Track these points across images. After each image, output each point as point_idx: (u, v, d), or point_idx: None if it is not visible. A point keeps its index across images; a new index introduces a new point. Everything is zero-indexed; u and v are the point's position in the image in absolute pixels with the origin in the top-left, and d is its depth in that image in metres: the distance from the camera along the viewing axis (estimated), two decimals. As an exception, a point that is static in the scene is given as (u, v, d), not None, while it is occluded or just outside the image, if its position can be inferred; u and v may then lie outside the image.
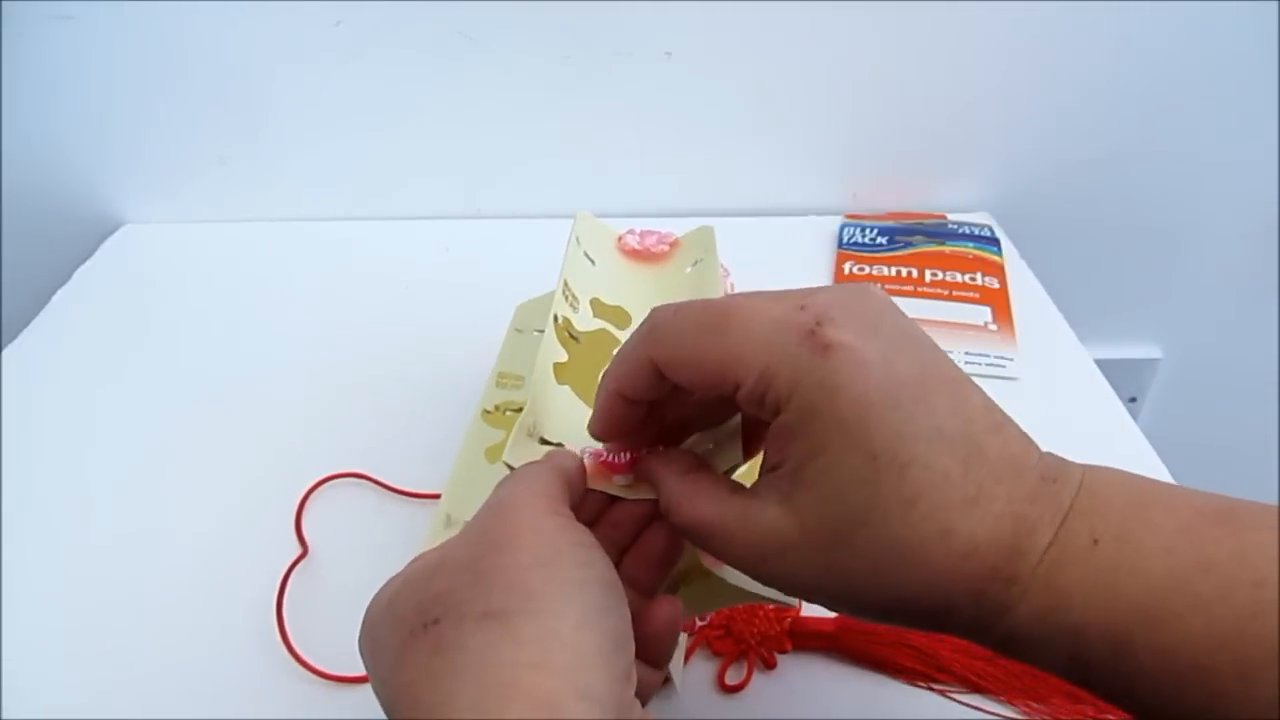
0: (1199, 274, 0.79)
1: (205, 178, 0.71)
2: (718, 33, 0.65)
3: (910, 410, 0.24)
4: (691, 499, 0.28)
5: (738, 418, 0.31)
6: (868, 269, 0.66)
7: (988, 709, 0.38)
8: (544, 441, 0.37)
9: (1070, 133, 0.71)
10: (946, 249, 0.67)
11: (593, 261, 0.45)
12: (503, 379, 0.48)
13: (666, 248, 0.47)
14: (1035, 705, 0.38)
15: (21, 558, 0.46)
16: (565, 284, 0.42)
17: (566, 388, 0.39)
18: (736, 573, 0.32)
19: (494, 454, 0.42)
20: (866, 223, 0.71)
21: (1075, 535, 0.24)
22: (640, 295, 0.44)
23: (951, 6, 0.64)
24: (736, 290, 0.46)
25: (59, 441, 0.53)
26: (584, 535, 0.27)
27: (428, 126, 0.69)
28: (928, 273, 0.65)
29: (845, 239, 0.69)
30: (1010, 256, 0.68)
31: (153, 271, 0.69)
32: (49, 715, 0.39)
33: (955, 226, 0.70)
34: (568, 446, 0.36)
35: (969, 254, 0.67)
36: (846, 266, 0.66)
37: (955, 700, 0.39)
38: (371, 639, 0.26)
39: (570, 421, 0.38)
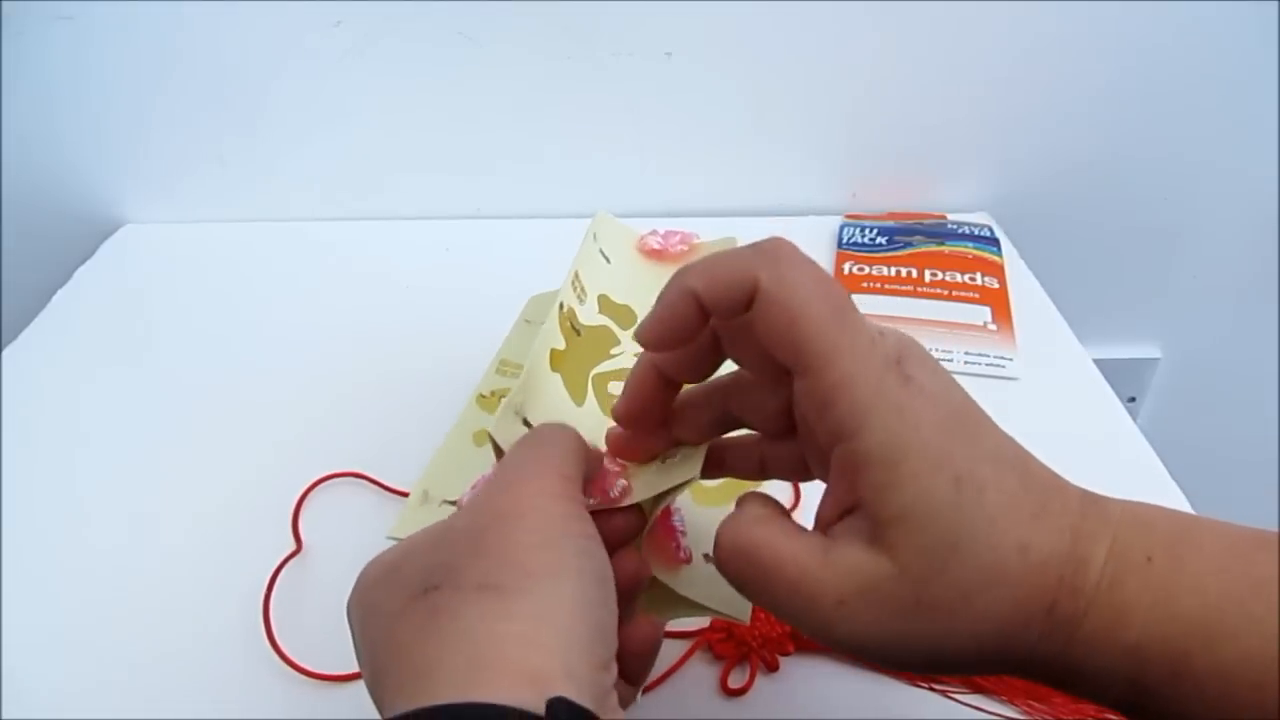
0: (1199, 274, 0.79)
1: (205, 178, 0.71)
2: (718, 33, 0.65)
3: (975, 434, 0.25)
4: (767, 528, 0.27)
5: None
6: (867, 269, 0.66)
7: (988, 709, 0.39)
8: (527, 424, 0.36)
9: (1070, 133, 0.71)
10: (946, 249, 0.67)
11: (608, 259, 0.45)
12: (504, 366, 0.47)
13: (686, 249, 0.46)
14: (1035, 705, 0.38)
15: (21, 557, 0.46)
16: (576, 275, 0.42)
17: (558, 377, 0.39)
18: (688, 582, 0.32)
19: (481, 438, 0.43)
20: (866, 223, 0.71)
21: (1130, 549, 0.24)
22: (649, 296, 0.44)
23: (951, 6, 0.64)
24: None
25: (59, 441, 0.53)
26: (587, 526, 0.27)
27: (428, 126, 0.69)
28: (927, 273, 0.65)
29: (845, 239, 0.69)
30: (1010, 256, 0.68)
31: (153, 271, 0.69)
32: (49, 715, 0.39)
33: (955, 226, 0.70)
34: None
35: (969, 254, 0.67)
36: (846, 266, 0.66)
37: (956, 700, 0.39)
38: (366, 602, 0.26)
39: (556, 412, 0.38)
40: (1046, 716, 0.38)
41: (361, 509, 0.48)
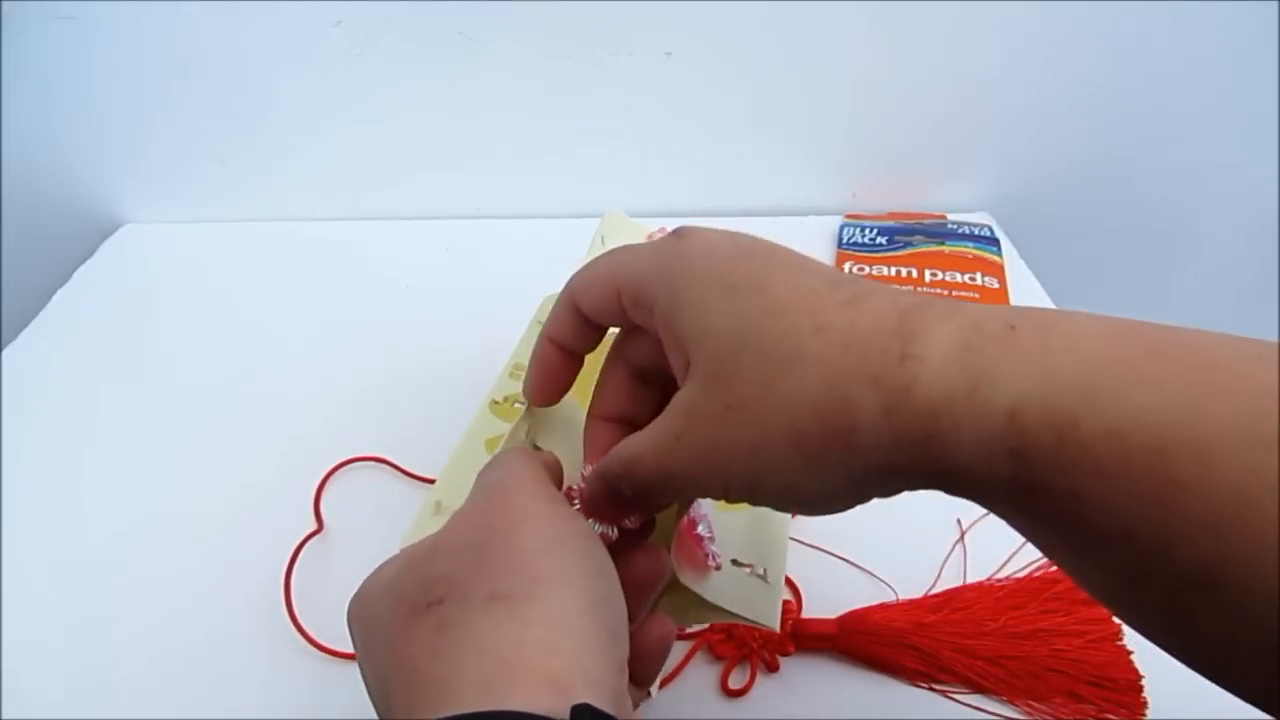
0: (1199, 274, 0.79)
1: (205, 178, 0.71)
2: (718, 33, 0.65)
3: (762, 257, 0.26)
4: (624, 443, 0.27)
5: None
6: (868, 269, 0.66)
7: (989, 709, 0.39)
8: (536, 449, 0.37)
9: (1070, 133, 0.71)
10: (946, 249, 0.67)
11: None
12: (517, 370, 0.46)
13: None
14: (1036, 705, 0.38)
15: (22, 557, 0.46)
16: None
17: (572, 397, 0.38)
18: (712, 588, 0.32)
19: (494, 445, 0.42)
20: (866, 223, 0.71)
21: (985, 322, 0.22)
22: None
23: (951, 7, 0.64)
24: None
25: (59, 441, 0.53)
26: (583, 524, 0.27)
27: (428, 126, 0.69)
28: (927, 273, 0.65)
29: (845, 239, 0.69)
30: (1010, 256, 0.68)
31: (153, 271, 0.69)
32: (51, 714, 0.39)
33: (955, 226, 0.70)
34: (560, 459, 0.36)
35: (969, 254, 0.67)
36: (846, 266, 0.66)
37: (957, 701, 0.39)
38: (366, 617, 0.26)
39: (573, 426, 0.37)
40: (1046, 716, 0.38)
41: (380, 494, 0.48)
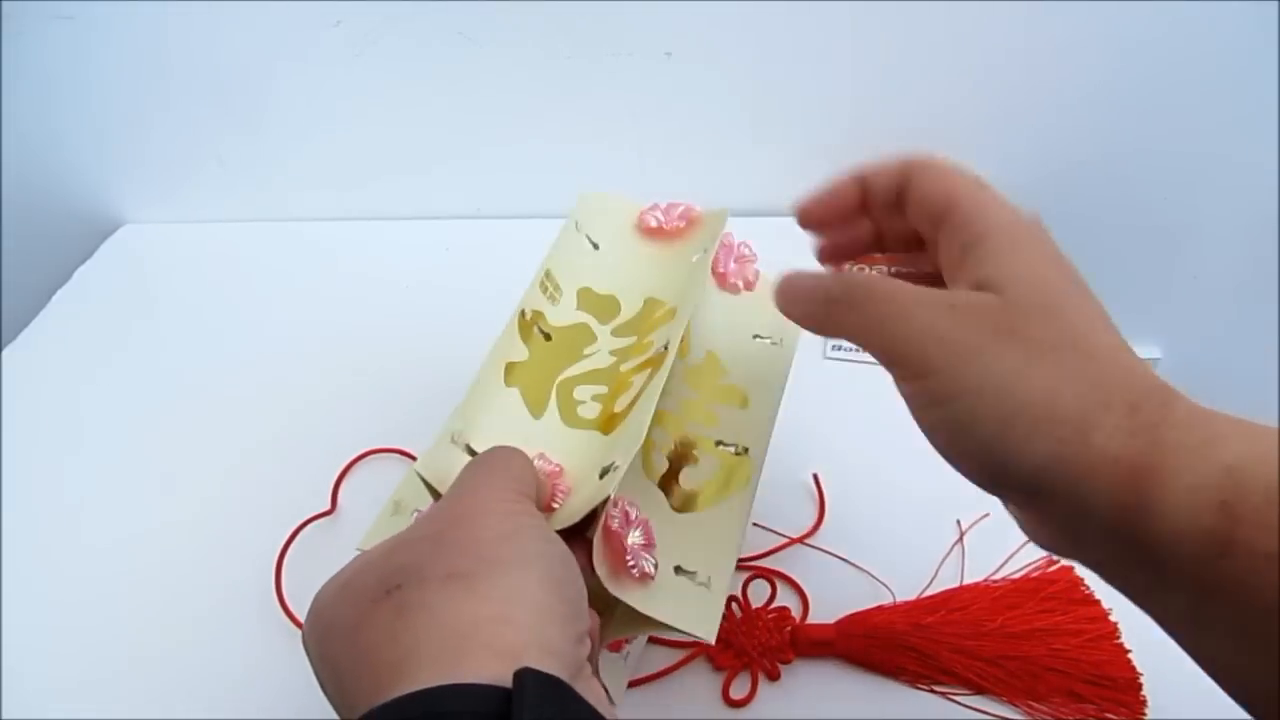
0: (1199, 274, 0.79)
1: (205, 178, 0.71)
2: (718, 33, 0.65)
3: (1084, 290, 0.29)
4: (882, 279, 0.30)
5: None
6: (867, 269, 0.65)
7: (990, 710, 0.39)
8: (470, 452, 0.36)
9: (1070, 133, 0.71)
10: (946, 249, 0.67)
11: (596, 245, 0.44)
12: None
13: (684, 225, 0.46)
14: (1035, 705, 0.38)
15: (22, 556, 0.46)
16: (547, 274, 0.41)
17: (515, 392, 0.38)
18: (649, 599, 0.32)
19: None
20: (866, 223, 0.71)
21: (1209, 420, 0.25)
22: (640, 280, 0.43)
23: (951, 6, 0.64)
24: (755, 276, 0.45)
25: (59, 441, 0.53)
26: (542, 520, 0.28)
27: (427, 126, 0.69)
28: (928, 273, 0.65)
29: (845, 239, 0.69)
30: (1010, 256, 0.68)
31: (153, 271, 0.69)
32: (50, 714, 0.39)
33: (955, 226, 0.70)
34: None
35: (969, 254, 0.66)
36: (846, 265, 0.66)
37: (957, 702, 0.39)
38: (322, 624, 0.26)
39: (506, 431, 0.37)
40: (1046, 716, 0.38)
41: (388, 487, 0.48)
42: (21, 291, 0.68)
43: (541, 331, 0.40)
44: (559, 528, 0.32)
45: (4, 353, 0.60)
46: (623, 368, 0.39)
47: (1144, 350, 0.82)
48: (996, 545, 0.44)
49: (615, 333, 0.41)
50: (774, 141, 0.71)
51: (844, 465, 0.49)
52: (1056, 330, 0.26)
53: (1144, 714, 0.38)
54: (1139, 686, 0.38)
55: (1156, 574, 0.24)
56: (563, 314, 0.41)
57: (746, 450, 0.40)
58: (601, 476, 0.34)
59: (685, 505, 0.38)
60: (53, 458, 0.52)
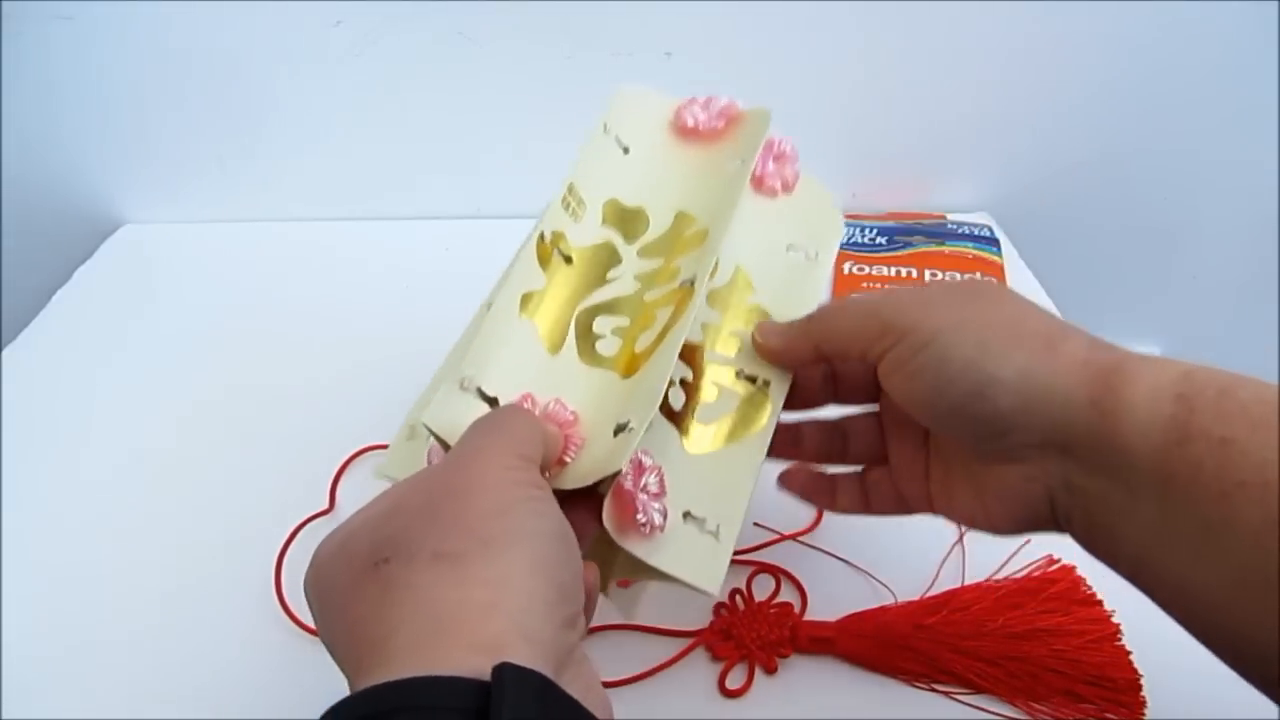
0: (1199, 273, 0.79)
1: (205, 178, 0.71)
2: (718, 33, 0.65)
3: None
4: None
5: None
6: (867, 269, 0.66)
7: (989, 709, 0.39)
8: (482, 396, 0.33)
9: (1069, 133, 0.71)
10: (946, 249, 0.67)
11: (626, 149, 0.41)
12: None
13: (723, 125, 0.43)
14: (1035, 705, 0.38)
15: (22, 556, 0.46)
16: (570, 188, 0.39)
17: (531, 325, 0.35)
18: (650, 548, 0.32)
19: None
20: (866, 223, 0.71)
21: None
22: (671, 190, 0.41)
23: (951, 7, 0.64)
24: (794, 176, 0.43)
25: (59, 441, 0.53)
26: (542, 489, 0.27)
27: (428, 126, 0.69)
28: (927, 273, 0.65)
29: (845, 239, 0.69)
30: (1010, 256, 0.68)
31: (153, 271, 0.69)
32: (50, 714, 0.39)
33: (955, 226, 0.70)
34: (524, 395, 0.34)
35: (968, 254, 0.67)
36: (846, 266, 0.66)
37: (958, 700, 0.39)
38: (321, 579, 0.26)
39: (522, 371, 0.34)
40: (1046, 716, 0.38)
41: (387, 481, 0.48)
42: (21, 291, 0.68)
43: (562, 255, 0.37)
44: (568, 487, 0.31)
45: (4, 353, 0.60)
46: (647, 296, 0.38)
47: (1143, 349, 0.82)
48: (997, 545, 0.44)
49: (641, 253, 0.39)
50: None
51: (843, 466, 0.49)
52: (1009, 295, 0.31)
53: (1143, 715, 0.38)
54: (1139, 687, 0.38)
55: (1127, 481, 0.27)
56: (586, 233, 0.38)
57: (768, 384, 0.37)
58: (616, 434, 0.32)
59: (700, 445, 0.36)
60: (53, 458, 0.52)
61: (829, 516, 0.47)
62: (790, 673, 0.40)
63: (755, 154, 0.40)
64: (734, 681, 0.39)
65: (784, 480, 0.39)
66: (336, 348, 0.60)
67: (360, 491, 0.49)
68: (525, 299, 0.36)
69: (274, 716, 0.38)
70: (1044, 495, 0.30)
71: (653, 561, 0.31)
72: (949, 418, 0.31)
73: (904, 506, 0.37)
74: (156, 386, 0.57)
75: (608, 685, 0.39)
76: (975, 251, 0.67)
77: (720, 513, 0.34)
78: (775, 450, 0.37)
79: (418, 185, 0.73)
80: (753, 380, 0.37)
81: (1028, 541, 0.44)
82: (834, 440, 0.38)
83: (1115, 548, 0.29)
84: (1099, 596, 0.41)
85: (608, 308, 0.37)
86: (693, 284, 0.36)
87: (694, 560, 0.33)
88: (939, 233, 0.69)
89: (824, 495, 0.39)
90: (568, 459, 0.32)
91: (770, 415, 0.37)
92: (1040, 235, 0.73)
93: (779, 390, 0.37)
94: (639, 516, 0.31)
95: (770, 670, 0.40)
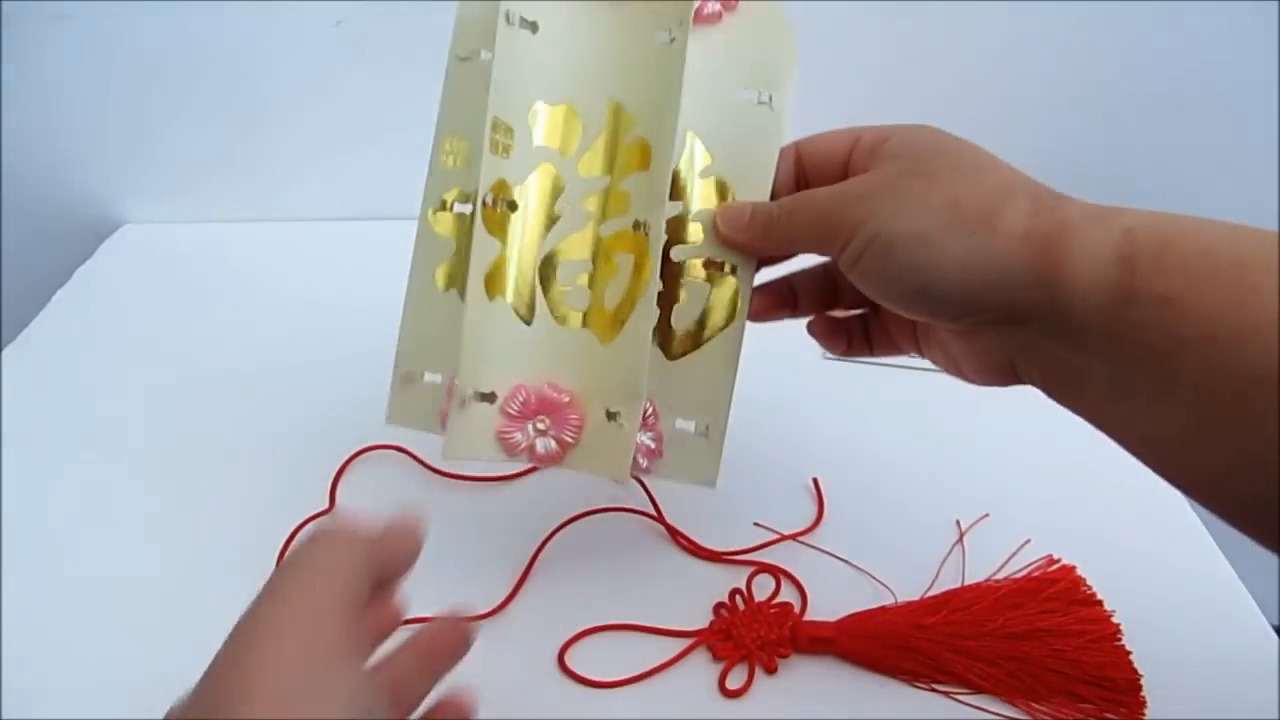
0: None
1: (205, 178, 0.71)
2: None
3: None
4: (794, 195, 0.35)
5: None
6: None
7: (989, 709, 0.39)
8: (482, 398, 0.35)
9: (1069, 133, 0.71)
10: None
11: (534, 27, 0.36)
12: (450, 150, 0.38)
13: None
14: (1035, 705, 0.38)
15: (22, 556, 0.46)
16: (494, 123, 0.35)
17: (501, 305, 0.35)
18: (644, 470, 0.37)
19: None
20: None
21: (1104, 205, 0.29)
22: (597, 73, 0.37)
23: (952, 7, 0.64)
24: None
25: (59, 441, 0.53)
26: (346, 670, 0.24)
27: (427, 126, 0.69)
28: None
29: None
30: (1010, 257, 0.68)
31: (153, 271, 0.69)
32: (50, 714, 0.39)
33: (955, 227, 0.70)
34: (516, 387, 0.36)
35: (969, 254, 0.67)
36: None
37: (958, 701, 0.39)
38: None
39: (510, 356, 0.35)
40: (1045, 716, 0.38)
41: (392, 483, 0.49)
42: (21, 291, 0.68)
43: (507, 204, 0.35)
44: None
45: (4, 353, 0.60)
46: (602, 232, 0.37)
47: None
48: (997, 545, 0.44)
49: (582, 167, 0.37)
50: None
51: (844, 465, 0.49)
52: (950, 162, 0.31)
53: (1143, 715, 0.38)
54: (1139, 687, 0.38)
55: (1078, 343, 0.27)
56: (519, 165, 0.36)
57: (734, 270, 0.37)
58: (609, 418, 0.36)
59: (680, 348, 0.37)
60: (53, 458, 0.52)
61: (829, 516, 0.47)
62: (790, 673, 0.40)
63: (688, 25, 0.35)
64: (734, 681, 0.39)
65: (810, 330, 0.39)
66: (337, 348, 0.60)
67: (360, 491, 0.49)
68: (489, 279, 0.35)
69: (274, 716, 0.38)
70: (1006, 359, 0.31)
71: (654, 477, 0.36)
72: (905, 307, 0.31)
73: (900, 350, 0.38)
74: (156, 386, 0.57)
75: (608, 685, 0.39)
76: (975, 252, 0.67)
77: (708, 413, 0.37)
78: (771, 311, 0.38)
79: (418, 185, 0.73)
80: (720, 266, 0.37)
81: (1028, 541, 0.44)
82: (827, 290, 0.39)
83: (1078, 401, 0.29)
84: (1099, 596, 0.41)
85: (566, 250, 0.37)
86: (648, 231, 0.35)
87: (689, 462, 0.37)
88: (939, 233, 0.69)
89: (838, 340, 0.39)
90: (569, 439, 0.36)
91: (742, 304, 0.37)
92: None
93: (746, 273, 0.37)
94: (641, 462, 0.35)
95: (770, 670, 0.40)
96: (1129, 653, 0.40)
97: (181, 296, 0.66)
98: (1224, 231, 0.26)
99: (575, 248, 0.37)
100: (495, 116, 0.35)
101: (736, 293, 0.37)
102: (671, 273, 0.37)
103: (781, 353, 0.42)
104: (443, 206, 0.38)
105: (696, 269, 0.37)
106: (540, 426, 0.36)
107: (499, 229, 0.36)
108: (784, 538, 0.46)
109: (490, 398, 0.36)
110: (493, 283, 0.36)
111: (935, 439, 0.51)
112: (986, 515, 0.46)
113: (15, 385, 0.57)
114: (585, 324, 0.37)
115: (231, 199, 0.73)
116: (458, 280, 0.37)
